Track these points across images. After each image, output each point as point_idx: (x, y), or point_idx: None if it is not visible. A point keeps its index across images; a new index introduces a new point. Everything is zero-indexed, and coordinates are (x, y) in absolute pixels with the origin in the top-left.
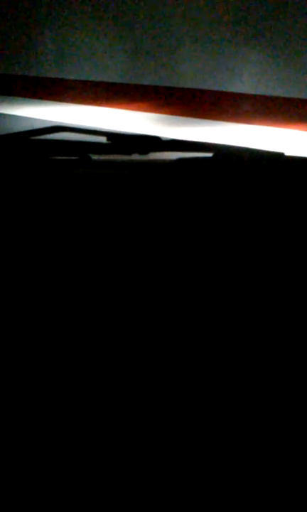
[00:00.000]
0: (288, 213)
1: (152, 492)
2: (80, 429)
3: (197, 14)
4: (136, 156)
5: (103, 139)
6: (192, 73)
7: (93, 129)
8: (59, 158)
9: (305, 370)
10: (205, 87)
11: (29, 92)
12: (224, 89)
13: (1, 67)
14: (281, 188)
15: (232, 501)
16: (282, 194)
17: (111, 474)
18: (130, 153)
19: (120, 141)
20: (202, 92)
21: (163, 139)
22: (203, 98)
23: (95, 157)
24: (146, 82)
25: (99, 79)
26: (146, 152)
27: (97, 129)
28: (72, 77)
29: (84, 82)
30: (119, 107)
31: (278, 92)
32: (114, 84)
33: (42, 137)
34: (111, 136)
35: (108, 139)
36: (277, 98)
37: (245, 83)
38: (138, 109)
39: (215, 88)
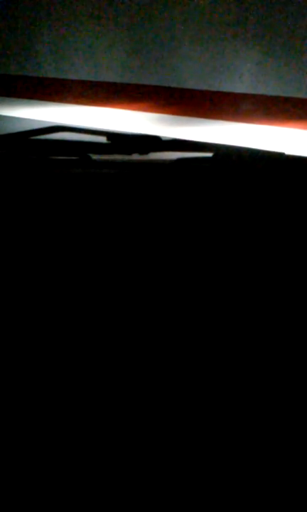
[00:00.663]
0: (288, 213)
1: (152, 491)
2: (80, 426)
3: (197, 14)
4: (136, 156)
5: (103, 139)
6: (192, 73)
7: (93, 129)
8: (59, 158)
9: (304, 368)
10: (205, 87)
11: (28, 93)
12: (224, 90)
13: (1, 68)
14: (282, 187)
15: (231, 500)
16: (282, 193)
17: (111, 472)
18: (130, 153)
19: (120, 141)
20: (202, 92)
21: (163, 138)
22: (203, 98)
23: (95, 157)
24: (146, 82)
25: (99, 79)
26: (146, 152)
27: (97, 129)
28: (71, 77)
29: (84, 82)
30: (119, 107)
31: (278, 91)
32: (114, 84)
33: (42, 137)
34: (111, 136)
35: (108, 139)
36: (277, 98)
37: (245, 83)
38: (138, 109)
39: (215, 88)
